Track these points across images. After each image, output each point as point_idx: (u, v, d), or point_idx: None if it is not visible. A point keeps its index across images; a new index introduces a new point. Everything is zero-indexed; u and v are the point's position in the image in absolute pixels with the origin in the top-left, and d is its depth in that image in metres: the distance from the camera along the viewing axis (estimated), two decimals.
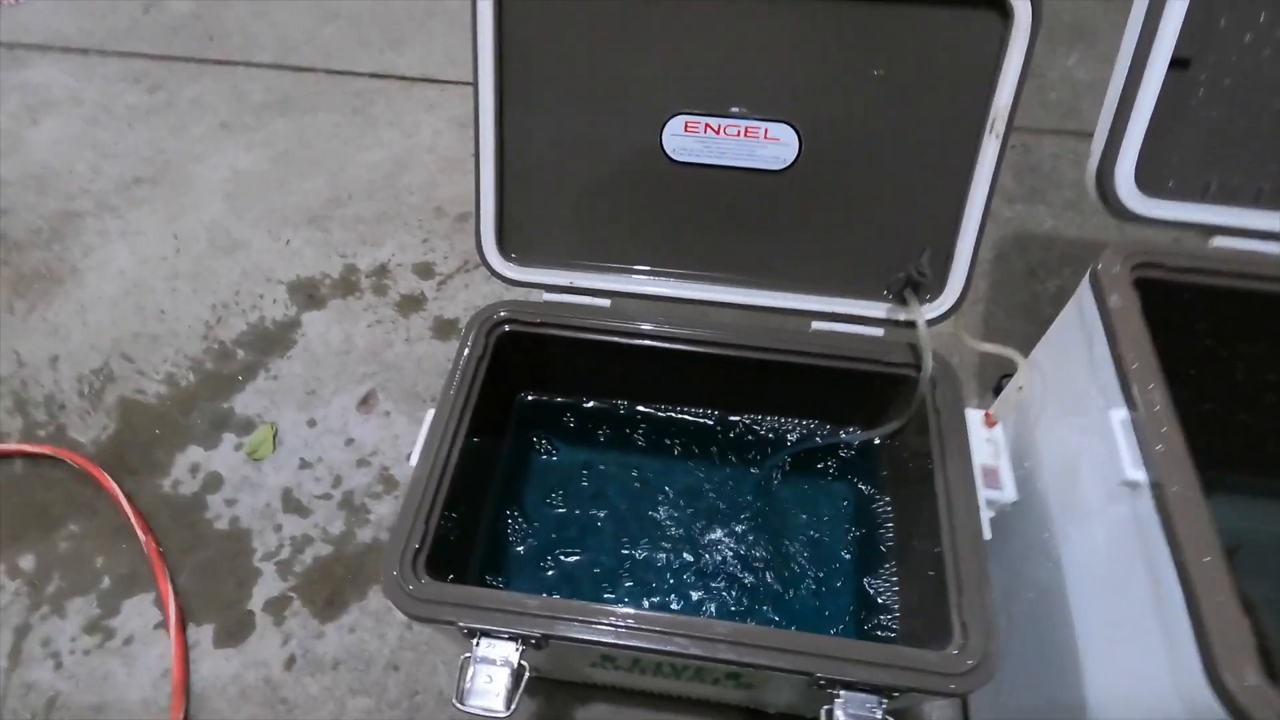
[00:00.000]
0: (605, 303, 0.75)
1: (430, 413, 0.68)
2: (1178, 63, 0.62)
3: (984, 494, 0.65)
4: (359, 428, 1.09)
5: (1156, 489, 0.52)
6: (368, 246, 1.33)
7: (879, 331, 0.73)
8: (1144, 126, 0.64)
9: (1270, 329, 0.68)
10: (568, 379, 0.84)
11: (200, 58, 1.70)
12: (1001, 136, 0.65)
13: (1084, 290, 0.67)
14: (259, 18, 1.81)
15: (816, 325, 0.74)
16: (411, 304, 1.24)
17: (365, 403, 1.12)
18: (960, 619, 0.56)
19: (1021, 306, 1.25)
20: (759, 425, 0.85)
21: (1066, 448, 0.68)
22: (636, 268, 0.75)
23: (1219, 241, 0.66)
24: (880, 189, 0.69)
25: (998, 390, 0.88)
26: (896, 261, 0.70)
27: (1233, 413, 0.77)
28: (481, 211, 0.73)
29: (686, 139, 0.69)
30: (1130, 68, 0.63)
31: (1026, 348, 0.75)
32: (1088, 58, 1.67)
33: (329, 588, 0.95)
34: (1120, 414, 0.57)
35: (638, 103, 0.68)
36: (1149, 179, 0.65)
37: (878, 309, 0.72)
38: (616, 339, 0.75)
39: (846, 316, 0.73)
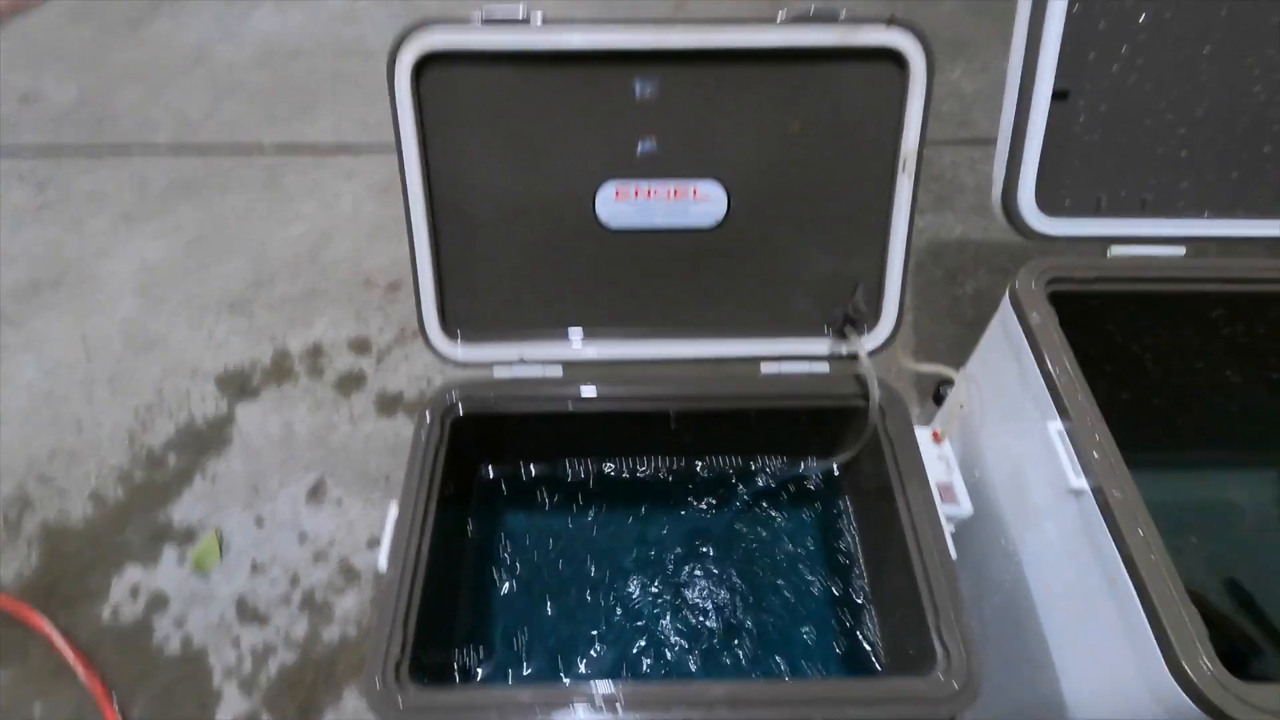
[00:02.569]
0: (557, 371, 0.75)
1: (393, 508, 0.66)
2: (1059, 95, 0.69)
3: (942, 510, 0.68)
4: (311, 520, 1.05)
5: (1098, 494, 0.56)
6: (298, 327, 1.28)
7: (825, 367, 0.76)
8: (1037, 154, 0.70)
9: (1168, 322, 0.75)
10: (527, 448, 0.83)
11: (92, 145, 1.62)
12: (913, 175, 0.69)
13: (1005, 308, 0.72)
14: (151, 99, 1.75)
15: (766, 368, 0.76)
16: (351, 383, 1.21)
17: (315, 493, 1.08)
18: (941, 641, 0.58)
19: (945, 310, 1.31)
20: (722, 468, 0.86)
21: (1010, 455, 0.72)
22: (585, 332, 0.75)
23: (1116, 250, 0.72)
24: (809, 234, 0.72)
25: (936, 397, 0.92)
26: (833, 299, 0.73)
27: (1146, 399, 0.84)
28: (421, 297, 0.72)
29: (620, 205, 0.70)
30: (1018, 103, 0.69)
31: (955, 349, 0.80)
32: (970, 70, 1.80)
33: (300, 696, 0.90)
34: (1055, 425, 0.61)
35: (567, 174, 0.69)
36: (1048, 200, 0.71)
37: (821, 345, 0.75)
38: (573, 406, 0.75)
39: (793, 356, 0.75)
